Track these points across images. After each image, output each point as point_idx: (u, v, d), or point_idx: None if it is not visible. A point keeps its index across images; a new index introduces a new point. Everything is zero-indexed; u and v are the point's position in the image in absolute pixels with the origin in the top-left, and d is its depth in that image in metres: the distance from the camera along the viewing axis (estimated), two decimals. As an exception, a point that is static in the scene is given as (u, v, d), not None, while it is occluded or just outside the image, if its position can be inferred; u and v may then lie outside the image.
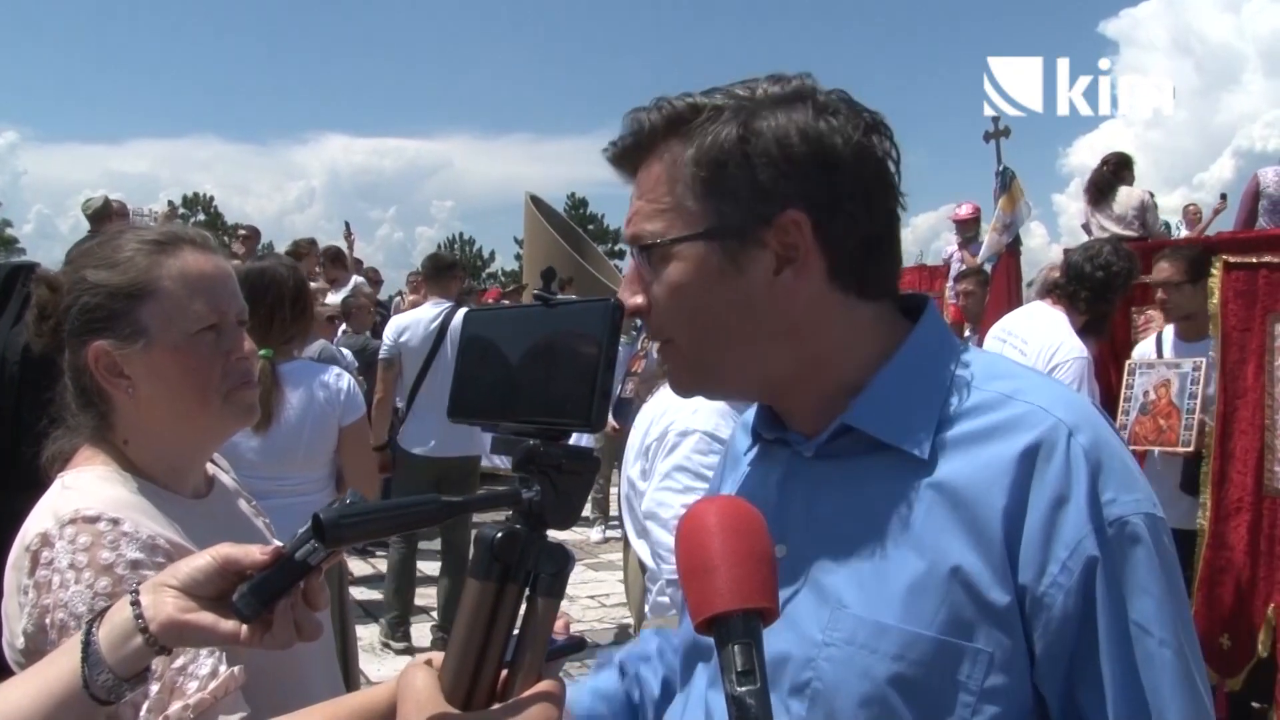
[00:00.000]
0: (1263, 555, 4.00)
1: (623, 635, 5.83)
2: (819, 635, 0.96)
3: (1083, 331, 4.08)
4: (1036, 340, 4.11)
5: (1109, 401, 4.44)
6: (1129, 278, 4.12)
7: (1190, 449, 4.09)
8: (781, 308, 1.00)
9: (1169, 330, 4.42)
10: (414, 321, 5.92)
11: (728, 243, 0.98)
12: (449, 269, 6.36)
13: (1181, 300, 4.21)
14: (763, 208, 0.97)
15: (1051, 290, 4.25)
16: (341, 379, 3.41)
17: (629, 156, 1.05)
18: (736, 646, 0.71)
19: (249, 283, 3.21)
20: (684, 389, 1.09)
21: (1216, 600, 4.09)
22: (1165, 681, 0.90)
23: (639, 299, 1.03)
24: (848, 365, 1.03)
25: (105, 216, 7.33)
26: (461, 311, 5.66)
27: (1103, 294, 4.05)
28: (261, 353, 3.17)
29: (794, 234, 0.98)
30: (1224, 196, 10.48)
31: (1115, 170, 7.42)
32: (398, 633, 5.81)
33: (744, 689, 0.69)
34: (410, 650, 5.77)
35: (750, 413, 1.22)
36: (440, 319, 5.80)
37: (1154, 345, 4.46)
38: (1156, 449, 4.18)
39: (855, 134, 0.99)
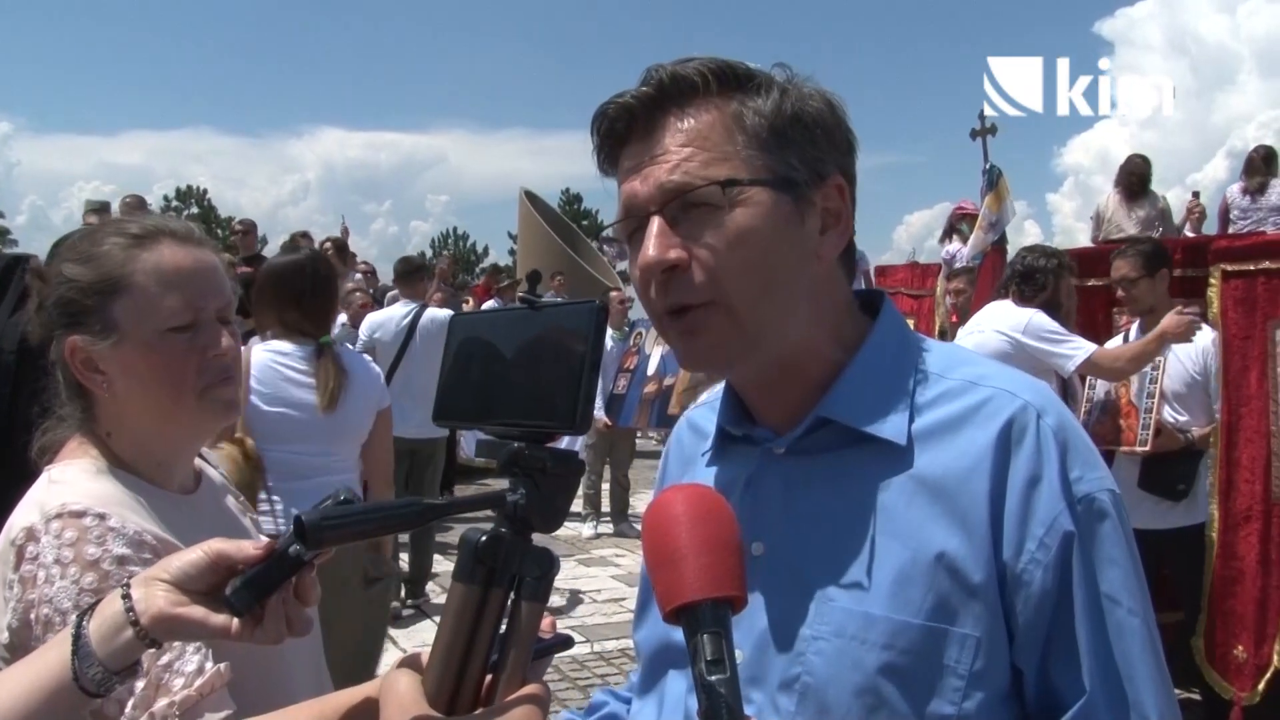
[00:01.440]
0: (1274, 564, 3.97)
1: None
2: (806, 630, 0.96)
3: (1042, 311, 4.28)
4: (990, 324, 4.32)
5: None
6: (1055, 272, 4.27)
7: (1147, 448, 4.10)
8: (815, 269, 1.02)
9: (1135, 328, 4.45)
10: (386, 319, 6.64)
11: (798, 191, 0.99)
12: (418, 271, 7.13)
13: (1140, 295, 4.30)
14: (820, 166, 1.01)
15: (999, 292, 4.57)
16: (375, 367, 3.69)
17: (669, 100, 0.99)
18: (706, 635, 0.71)
19: (316, 274, 3.44)
20: (720, 357, 1.02)
21: (1229, 612, 4.05)
22: (1135, 649, 0.93)
23: (676, 253, 0.96)
24: (828, 351, 1.04)
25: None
26: (430, 310, 6.50)
27: (1029, 280, 4.27)
28: (322, 340, 3.36)
29: (836, 199, 1.03)
30: (1196, 194, 10.56)
31: (1145, 171, 7.72)
32: (406, 590, 6.32)
33: (715, 678, 0.69)
34: (421, 611, 6.35)
35: (698, 414, 1.22)
36: (410, 316, 6.48)
37: (1121, 343, 4.49)
38: (1118, 449, 4.16)
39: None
